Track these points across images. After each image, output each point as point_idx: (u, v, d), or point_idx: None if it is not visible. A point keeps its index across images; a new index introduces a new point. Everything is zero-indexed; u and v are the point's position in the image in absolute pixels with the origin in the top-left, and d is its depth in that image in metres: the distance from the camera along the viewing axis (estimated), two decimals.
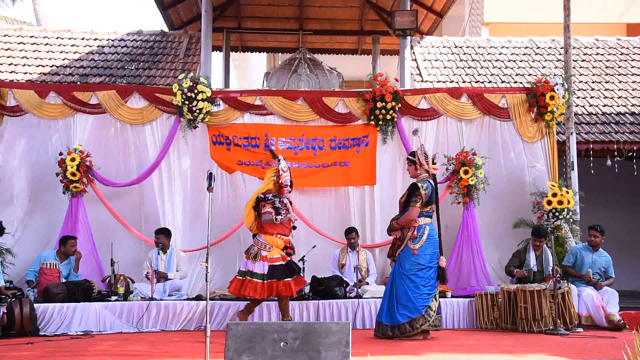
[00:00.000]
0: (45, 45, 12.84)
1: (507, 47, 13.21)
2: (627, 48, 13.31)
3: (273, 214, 7.37)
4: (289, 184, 7.59)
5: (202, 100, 9.15)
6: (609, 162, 10.32)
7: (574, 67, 11.19)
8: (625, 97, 11.79)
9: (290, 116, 9.52)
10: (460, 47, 13.11)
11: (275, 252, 7.44)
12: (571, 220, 9.14)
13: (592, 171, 10.11)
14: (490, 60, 12.76)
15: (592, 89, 12.03)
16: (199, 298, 8.33)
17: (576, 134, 10.16)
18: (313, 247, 8.21)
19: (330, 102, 9.57)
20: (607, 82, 12.23)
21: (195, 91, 9.11)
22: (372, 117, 9.44)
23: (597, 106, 11.52)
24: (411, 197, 6.92)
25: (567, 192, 9.07)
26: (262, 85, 12.17)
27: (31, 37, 13.07)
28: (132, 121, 9.36)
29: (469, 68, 12.48)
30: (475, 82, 11.92)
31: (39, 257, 8.48)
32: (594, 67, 12.70)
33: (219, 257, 9.00)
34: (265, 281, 7.33)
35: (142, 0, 45.64)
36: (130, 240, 9.17)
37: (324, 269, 8.86)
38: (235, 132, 9.46)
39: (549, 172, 9.55)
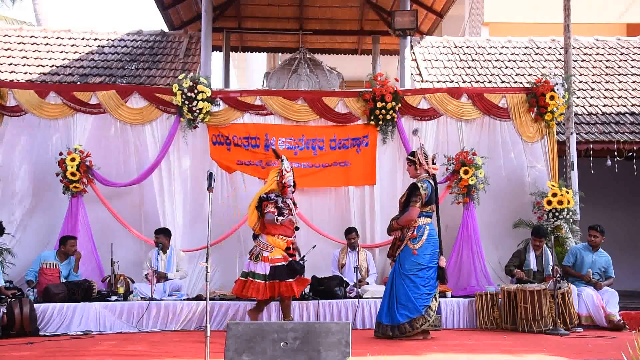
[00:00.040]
0: (45, 45, 12.85)
1: (507, 47, 13.22)
2: (627, 48, 13.31)
3: (275, 213, 7.38)
4: (292, 184, 7.60)
5: (202, 100, 9.15)
6: (609, 162, 10.32)
7: (574, 67, 11.19)
8: (625, 97, 11.79)
9: (290, 116, 9.52)
10: (460, 47, 13.11)
11: (276, 253, 7.44)
12: (571, 220, 9.14)
13: (592, 171, 10.11)
14: (490, 60, 12.76)
15: (592, 89, 12.03)
16: (199, 298, 8.33)
17: (576, 134, 10.16)
18: (313, 247, 8.20)
19: (330, 102, 9.57)
20: (607, 82, 12.23)
21: (195, 91, 9.11)
22: (372, 117, 9.44)
23: (597, 106, 11.52)
24: (411, 197, 6.92)
25: (567, 192, 9.07)
26: (262, 85, 12.17)
27: (31, 37, 13.07)
28: (132, 121, 9.36)
29: (469, 68, 12.48)
30: (475, 82, 11.92)
31: (39, 257, 8.48)
32: (594, 67, 12.70)
33: (219, 257, 9.00)
34: (267, 282, 7.34)
35: (142, 0, 45.65)
36: (130, 240, 9.17)
37: (324, 269, 8.87)
38: (235, 132, 9.46)
39: (549, 172, 9.55)
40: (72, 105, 9.29)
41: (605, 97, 11.78)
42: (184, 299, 8.33)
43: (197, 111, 9.19)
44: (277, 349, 4.20)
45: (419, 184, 6.93)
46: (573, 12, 9.96)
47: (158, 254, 8.64)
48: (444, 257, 7.06)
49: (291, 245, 7.61)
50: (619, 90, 12.00)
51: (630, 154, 10.40)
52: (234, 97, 9.53)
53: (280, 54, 17.03)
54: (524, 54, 13.00)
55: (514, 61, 12.77)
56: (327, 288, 8.37)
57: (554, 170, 9.54)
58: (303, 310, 8.12)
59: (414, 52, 12.58)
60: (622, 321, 8.01)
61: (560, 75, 9.80)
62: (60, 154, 8.96)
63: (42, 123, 9.32)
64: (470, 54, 12.91)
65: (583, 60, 12.86)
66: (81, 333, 7.55)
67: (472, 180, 9.09)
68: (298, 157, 9.37)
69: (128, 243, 9.14)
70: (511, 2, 16.09)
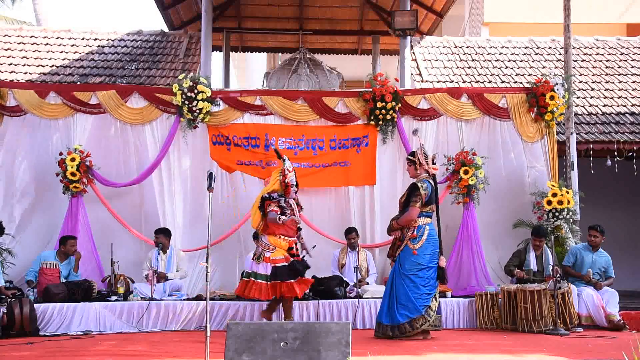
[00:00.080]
0: (45, 45, 12.84)
1: (507, 47, 13.21)
2: (627, 48, 13.31)
3: (278, 212, 7.39)
4: (294, 183, 7.60)
5: (202, 100, 9.15)
6: (609, 162, 10.32)
7: (574, 67, 11.19)
8: (625, 97, 11.79)
9: (290, 116, 9.52)
10: (460, 47, 13.11)
11: (278, 253, 7.44)
12: (571, 220, 9.14)
13: (592, 171, 10.11)
14: (490, 60, 12.76)
15: (592, 89, 12.03)
16: (199, 298, 8.33)
17: (576, 134, 10.16)
18: (313, 247, 8.19)
19: (330, 102, 9.57)
20: (607, 82, 12.23)
21: (195, 91, 9.11)
22: (372, 117, 9.44)
23: (597, 106, 11.52)
24: (411, 197, 6.92)
25: (567, 192, 9.07)
26: (262, 85, 12.17)
27: (31, 37, 13.07)
28: (132, 121, 9.36)
29: (469, 68, 12.48)
30: (475, 82, 11.92)
31: (39, 257, 8.48)
32: (594, 67, 12.70)
33: (219, 257, 9.00)
34: (269, 282, 7.34)
35: (142, 0, 45.65)
36: (130, 240, 9.17)
37: (324, 269, 8.86)
38: (235, 132, 9.46)
39: (549, 172, 9.55)
40: (72, 105, 9.29)
41: (605, 97, 11.78)
42: (184, 299, 8.33)
43: (197, 111, 9.19)
44: (277, 349, 4.20)
45: (419, 184, 6.92)
46: (573, 12, 9.96)
47: (158, 254, 8.64)
48: (444, 257, 7.06)
49: (294, 245, 7.60)
50: (619, 90, 12.00)
51: (630, 154, 10.40)
52: (234, 97, 9.53)
53: (280, 54, 17.03)
54: (524, 54, 13.00)
55: (514, 61, 12.77)
56: (327, 288, 8.37)
57: (554, 170, 9.54)
58: (303, 310, 8.12)
59: (414, 52, 12.58)
60: (622, 321, 8.00)
61: (560, 75, 9.80)
62: (60, 154, 8.96)
63: (42, 123, 9.32)
64: (470, 54, 12.91)
65: (583, 60, 12.86)
66: (81, 333, 7.55)
67: (472, 180, 9.09)
68: (298, 157, 9.37)
69: (128, 243, 9.14)
70: (511, 2, 16.09)
